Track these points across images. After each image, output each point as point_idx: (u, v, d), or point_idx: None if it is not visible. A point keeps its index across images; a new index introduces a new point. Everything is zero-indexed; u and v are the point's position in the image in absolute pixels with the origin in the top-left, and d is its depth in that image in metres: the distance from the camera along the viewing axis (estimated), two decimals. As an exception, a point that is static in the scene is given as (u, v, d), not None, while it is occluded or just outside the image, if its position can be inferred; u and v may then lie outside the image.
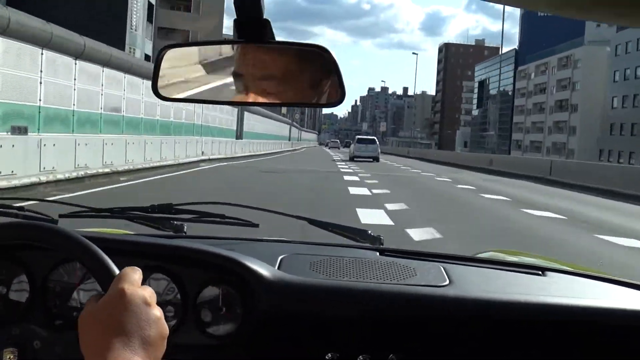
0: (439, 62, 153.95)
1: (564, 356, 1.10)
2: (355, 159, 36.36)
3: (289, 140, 68.69)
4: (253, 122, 42.90)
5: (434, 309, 1.11)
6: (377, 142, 39.38)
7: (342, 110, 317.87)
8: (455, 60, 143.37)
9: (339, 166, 27.49)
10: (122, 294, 0.70)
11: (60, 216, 1.41)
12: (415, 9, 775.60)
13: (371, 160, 36.24)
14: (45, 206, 1.55)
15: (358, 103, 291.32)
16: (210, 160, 25.05)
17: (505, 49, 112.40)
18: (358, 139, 40.96)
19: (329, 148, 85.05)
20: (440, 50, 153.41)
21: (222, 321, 1.11)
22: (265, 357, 1.10)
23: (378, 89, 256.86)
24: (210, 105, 23.71)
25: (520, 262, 1.49)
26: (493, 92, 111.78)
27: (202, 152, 24.49)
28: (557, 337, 1.09)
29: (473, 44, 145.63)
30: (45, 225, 0.87)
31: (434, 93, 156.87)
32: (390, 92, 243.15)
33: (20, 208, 1.36)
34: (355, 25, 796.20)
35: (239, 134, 36.91)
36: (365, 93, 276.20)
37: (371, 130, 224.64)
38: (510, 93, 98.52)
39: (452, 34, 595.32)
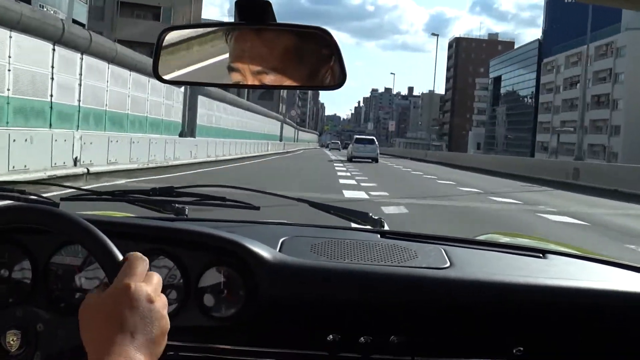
0: (449, 58, 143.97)
1: (565, 338, 1.13)
2: (353, 160, 35.90)
3: (281, 140, 59.34)
4: (218, 112, 31.82)
5: (435, 291, 1.14)
6: (376, 142, 38.72)
7: (345, 112, 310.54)
8: (467, 56, 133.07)
9: (339, 174, 21.33)
10: (126, 289, 0.72)
11: (62, 199, 1.43)
12: (420, 10, 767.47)
13: (370, 160, 35.73)
14: (47, 189, 1.53)
15: (361, 104, 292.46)
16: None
17: (518, 45, 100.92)
18: (356, 138, 40.01)
19: (330, 149, 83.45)
20: (450, 45, 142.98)
21: (224, 304, 1.13)
22: (267, 339, 1.13)
23: (381, 90, 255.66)
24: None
25: (521, 244, 1.52)
26: (509, 88, 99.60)
27: (76, 161, 13.43)
28: (557, 319, 1.13)
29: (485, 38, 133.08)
30: (47, 209, 0.89)
31: (442, 92, 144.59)
32: (394, 92, 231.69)
33: (22, 191, 1.39)
34: (359, 27, 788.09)
35: (186, 130, 25.53)
36: (368, 94, 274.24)
37: (375, 132, 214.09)
38: (526, 92, 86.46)
39: (455, 35, 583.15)
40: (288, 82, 1.06)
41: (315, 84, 1.07)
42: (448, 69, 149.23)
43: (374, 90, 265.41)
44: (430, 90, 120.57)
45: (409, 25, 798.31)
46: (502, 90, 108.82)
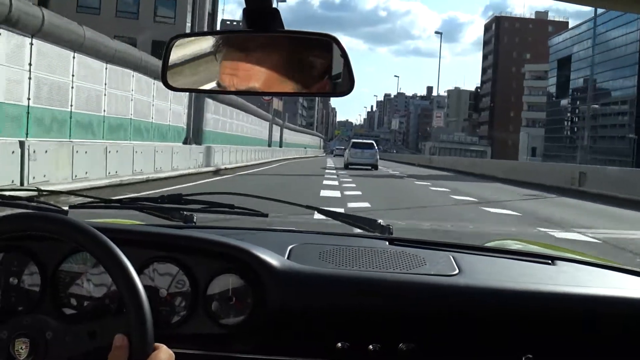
0: (486, 43, 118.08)
1: (574, 345, 1.19)
2: (350, 166, 33.71)
3: (269, 145, 47.67)
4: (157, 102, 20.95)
5: (444, 298, 1.20)
6: (376, 147, 36.37)
7: (357, 117, 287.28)
8: (510, 39, 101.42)
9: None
10: None
11: (70, 207, 1.50)
12: (432, 15, 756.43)
13: (369, 168, 33.47)
14: (55, 197, 1.76)
15: (374, 109, 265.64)
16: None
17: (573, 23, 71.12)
18: (353, 142, 37.33)
19: (334, 156, 77.72)
20: (487, 28, 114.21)
21: (232, 311, 1.19)
22: (275, 346, 1.20)
23: (395, 94, 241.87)
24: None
25: (530, 251, 1.58)
26: (586, 72, 68.65)
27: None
28: (566, 326, 1.19)
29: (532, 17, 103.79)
30: (55, 216, 0.96)
31: (463, 88, 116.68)
32: (410, 94, 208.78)
33: (30, 199, 1.45)
34: (372, 32, 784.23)
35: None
36: (381, 99, 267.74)
37: (391, 137, 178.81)
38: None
39: (468, 40, 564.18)
40: (297, 90, 1.11)
41: (325, 90, 1.12)
42: (484, 57, 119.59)
43: (387, 95, 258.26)
44: (456, 87, 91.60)
45: (421, 30, 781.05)
46: (574, 75, 78.20)
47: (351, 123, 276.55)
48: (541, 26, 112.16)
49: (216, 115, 30.73)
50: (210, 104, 28.35)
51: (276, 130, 54.80)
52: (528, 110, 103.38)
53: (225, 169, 24.78)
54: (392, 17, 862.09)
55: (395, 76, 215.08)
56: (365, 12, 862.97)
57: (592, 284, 1.27)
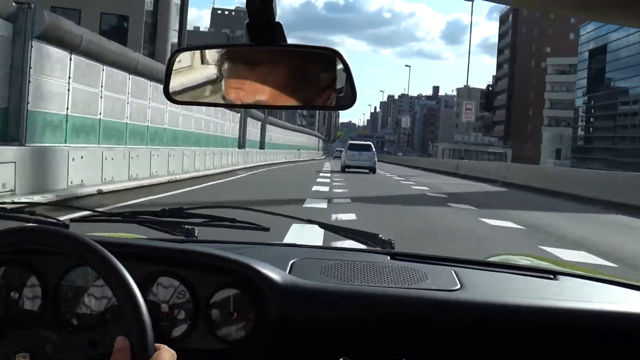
0: (501, 37, 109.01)
1: None
2: (347, 170, 32.68)
3: (242, 146, 35.32)
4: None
5: (446, 313, 1.21)
6: (373, 149, 34.81)
7: (360, 119, 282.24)
8: (529, 31, 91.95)
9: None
10: None
11: (72, 220, 1.49)
12: (437, 17, 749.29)
13: (367, 171, 32.38)
14: (57, 210, 1.73)
15: (377, 110, 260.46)
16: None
17: None
18: (350, 144, 35.78)
19: (334, 158, 71.18)
20: (502, 20, 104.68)
21: (234, 326, 1.21)
22: None
23: (399, 95, 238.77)
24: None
25: (532, 265, 1.58)
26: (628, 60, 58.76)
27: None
28: (569, 341, 1.20)
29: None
30: (56, 230, 0.97)
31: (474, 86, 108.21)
32: (415, 94, 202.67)
33: (32, 212, 1.46)
34: (376, 34, 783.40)
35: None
36: (384, 100, 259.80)
37: (396, 137, 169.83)
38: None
39: (473, 42, 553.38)
40: (299, 103, 1.13)
41: (327, 104, 1.13)
42: (500, 52, 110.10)
43: (390, 96, 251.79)
44: (465, 85, 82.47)
45: (425, 32, 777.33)
46: (610, 67, 67.79)
47: (354, 124, 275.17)
48: (563, 17, 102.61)
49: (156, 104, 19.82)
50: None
51: (257, 127, 43.90)
52: (550, 108, 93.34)
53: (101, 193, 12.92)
54: (396, 18, 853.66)
55: (407, 65, 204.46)
56: (369, 14, 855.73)
57: (596, 299, 1.28)
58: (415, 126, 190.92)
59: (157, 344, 0.94)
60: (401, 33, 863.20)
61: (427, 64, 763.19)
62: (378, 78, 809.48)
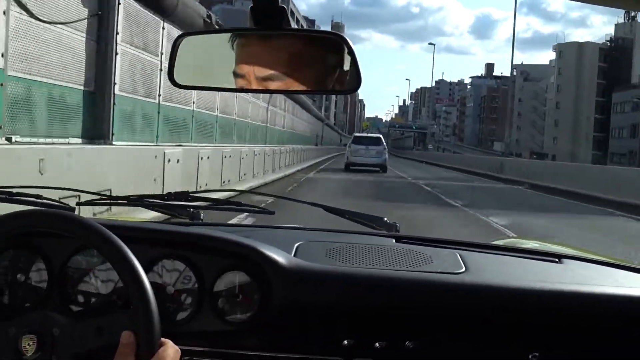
0: None
1: (581, 343, 1.21)
2: (352, 167, 26.72)
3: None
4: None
5: (450, 296, 1.23)
6: (383, 142, 28.24)
7: (385, 113, 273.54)
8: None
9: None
10: None
11: (78, 204, 1.51)
12: (465, 12, 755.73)
13: (378, 170, 26.51)
14: (63, 194, 1.65)
15: (407, 102, 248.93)
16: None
17: None
18: (354, 137, 29.57)
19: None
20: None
21: (239, 308, 1.22)
22: (282, 343, 1.24)
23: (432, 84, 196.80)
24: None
25: (537, 249, 1.59)
26: None
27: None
28: (573, 324, 1.21)
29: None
30: (63, 214, 0.98)
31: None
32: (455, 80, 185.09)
33: (38, 196, 1.46)
34: (403, 29, 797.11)
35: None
36: (412, 90, 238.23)
37: (437, 130, 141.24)
38: None
39: (502, 38, 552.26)
40: (304, 87, 1.14)
41: (332, 88, 1.14)
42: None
43: (423, 88, 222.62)
44: (575, 42, 67.85)
45: (453, 27, 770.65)
46: None
47: (381, 119, 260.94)
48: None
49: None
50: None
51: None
52: None
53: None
54: (424, 13, 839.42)
55: (431, 43, 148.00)
56: (396, 8, 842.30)
57: (600, 282, 1.29)
58: (466, 115, 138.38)
59: (162, 339, 0.95)
60: (429, 28, 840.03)
61: (455, 59, 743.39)
62: (405, 73, 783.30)
